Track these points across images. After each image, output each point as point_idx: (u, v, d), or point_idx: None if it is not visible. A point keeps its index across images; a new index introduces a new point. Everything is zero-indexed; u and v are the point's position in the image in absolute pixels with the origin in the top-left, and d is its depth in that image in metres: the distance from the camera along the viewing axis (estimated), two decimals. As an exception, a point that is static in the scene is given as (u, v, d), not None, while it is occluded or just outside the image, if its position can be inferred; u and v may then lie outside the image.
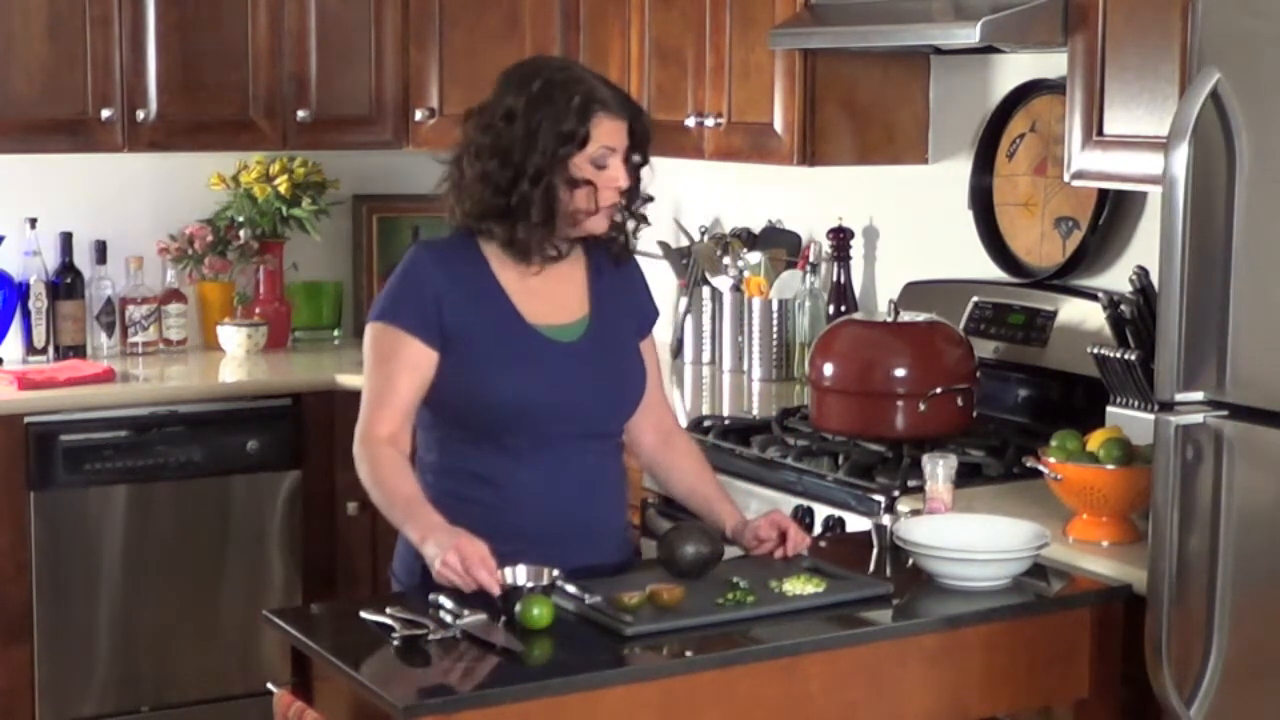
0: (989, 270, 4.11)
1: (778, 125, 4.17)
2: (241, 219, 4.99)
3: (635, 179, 2.98)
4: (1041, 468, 3.12)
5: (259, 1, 4.77)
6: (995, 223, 4.12)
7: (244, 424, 4.54)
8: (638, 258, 3.15)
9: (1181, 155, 2.63)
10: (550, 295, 2.99)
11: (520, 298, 2.96)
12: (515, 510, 2.94)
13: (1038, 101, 4.00)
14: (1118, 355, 3.34)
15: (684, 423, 3.85)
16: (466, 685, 2.54)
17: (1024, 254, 4.04)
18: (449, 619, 2.67)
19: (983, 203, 4.13)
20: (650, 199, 3.05)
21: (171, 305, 4.95)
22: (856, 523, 3.40)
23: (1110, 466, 3.05)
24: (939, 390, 3.59)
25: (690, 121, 4.35)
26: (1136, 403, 3.35)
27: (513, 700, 2.49)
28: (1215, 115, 2.63)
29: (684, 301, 4.84)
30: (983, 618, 2.84)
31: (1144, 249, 3.73)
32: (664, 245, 4.83)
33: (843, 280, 4.44)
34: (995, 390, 3.87)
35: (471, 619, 2.65)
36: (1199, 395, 2.70)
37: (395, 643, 2.61)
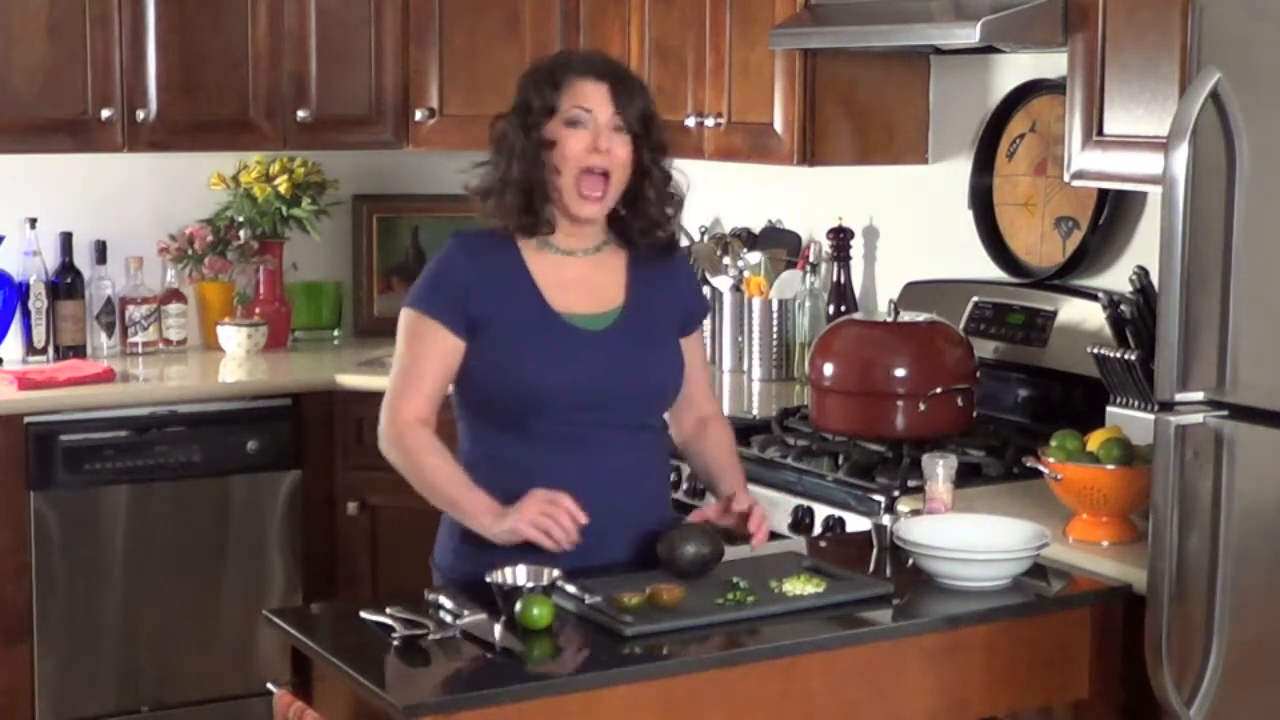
0: (989, 270, 4.11)
1: (778, 125, 4.17)
2: (241, 219, 4.99)
3: (639, 160, 2.95)
4: (1041, 468, 3.12)
5: (259, 1, 4.77)
6: (995, 223, 4.12)
7: (244, 424, 4.54)
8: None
9: (1181, 155, 2.63)
10: (585, 287, 3.01)
11: (550, 288, 2.98)
12: None
13: (1038, 101, 4.00)
14: (1118, 355, 3.34)
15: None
16: (466, 685, 2.54)
17: (1024, 254, 4.04)
18: (449, 619, 2.67)
19: (983, 203, 4.13)
20: (671, 193, 3.02)
21: (171, 305, 4.95)
22: (856, 523, 3.40)
23: (1110, 466, 3.05)
24: (939, 390, 3.59)
25: (690, 121, 4.35)
26: (1136, 403, 3.35)
27: (513, 700, 2.49)
28: (1215, 115, 2.63)
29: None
30: (983, 618, 2.84)
31: (1144, 249, 3.73)
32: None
33: (843, 280, 4.44)
34: (995, 390, 3.87)
35: (471, 619, 2.65)
36: (1199, 395, 2.70)
37: (395, 643, 2.62)
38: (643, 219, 3.01)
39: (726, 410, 4.28)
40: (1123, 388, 3.38)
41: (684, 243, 3.19)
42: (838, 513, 3.47)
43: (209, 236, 4.98)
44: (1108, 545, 3.05)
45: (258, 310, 5.01)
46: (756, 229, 4.76)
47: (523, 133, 2.95)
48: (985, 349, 3.89)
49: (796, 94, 4.12)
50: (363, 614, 2.71)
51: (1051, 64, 3.86)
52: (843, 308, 4.38)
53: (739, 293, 4.62)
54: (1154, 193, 3.38)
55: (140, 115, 4.64)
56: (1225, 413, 2.68)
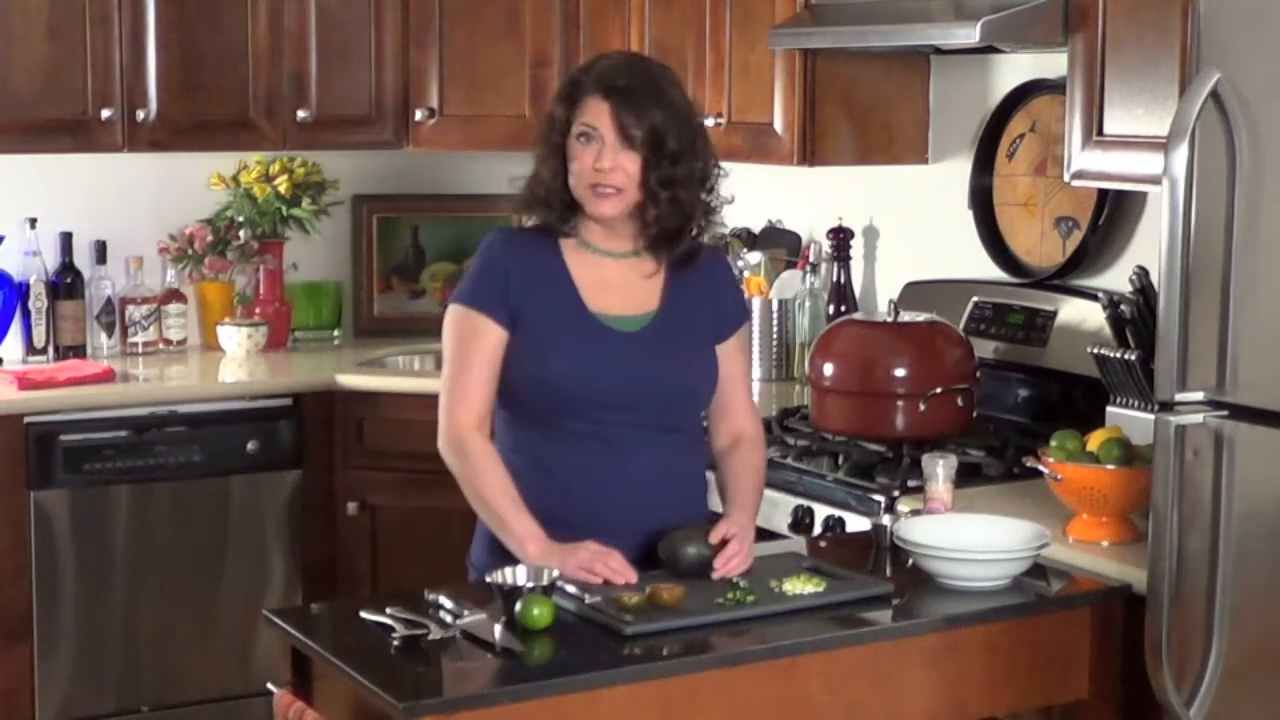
0: (989, 270, 4.11)
1: (778, 125, 4.17)
2: (241, 219, 4.98)
3: (648, 171, 2.94)
4: (1041, 468, 3.12)
5: (259, 1, 4.77)
6: (995, 223, 4.12)
7: (244, 424, 4.54)
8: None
9: (1181, 155, 2.63)
10: (622, 289, 3.03)
11: (588, 288, 3.01)
12: (575, 499, 2.97)
13: (1038, 101, 4.01)
14: (1118, 355, 3.34)
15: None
16: (466, 685, 2.54)
17: (1024, 254, 4.04)
18: (449, 619, 2.67)
19: (983, 203, 4.13)
20: (680, 201, 2.99)
21: (171, 305, 4.95)
22: (856, 523, 3.40)
23: (1110, 466, 3.05)
24: (939, 390, 3.59)
25: (690, 121, 4.35)
26: (1136, 403, 3.35)
27: (513, 700, 2.49)
28: (1215, 115, 2.63)
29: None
30: (983, 618, 2.84)
31: (1144, 249, 3.74)
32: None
33: (843, 280, 4.44)
34: (995, 390, 3.87)
35: (471, 619, 2.65)
36: (1199, 395, 2.70)
37: (395, 643, 2.62)
38: (649, 233, 3.01)
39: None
40: (1123, 388, 3.38)
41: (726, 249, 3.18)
42: (838, 513, 3.47)
43: (209, 236, 4.98)
44: (1108, 545, 3.05)
45: (258, 310, 5.01)
46: (756, 229, 4.76)
47: (546, 142, 3.00)
48: (985, 349, 3.89)
49: (796, 94, 4.12)
50: (363, 614, 2.71)
51: (1051, 64, 3.86)
52: (843, 308, 4.38)
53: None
54: (1154, 193, 3.38)
55: (140, 115, 4.64)
56: (1225, 413, 2.68)
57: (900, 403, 3.60)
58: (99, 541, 4.38)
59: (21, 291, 4.74)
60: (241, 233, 4.97)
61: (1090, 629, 2.92)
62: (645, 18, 4.54)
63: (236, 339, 4.89)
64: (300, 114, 4.84)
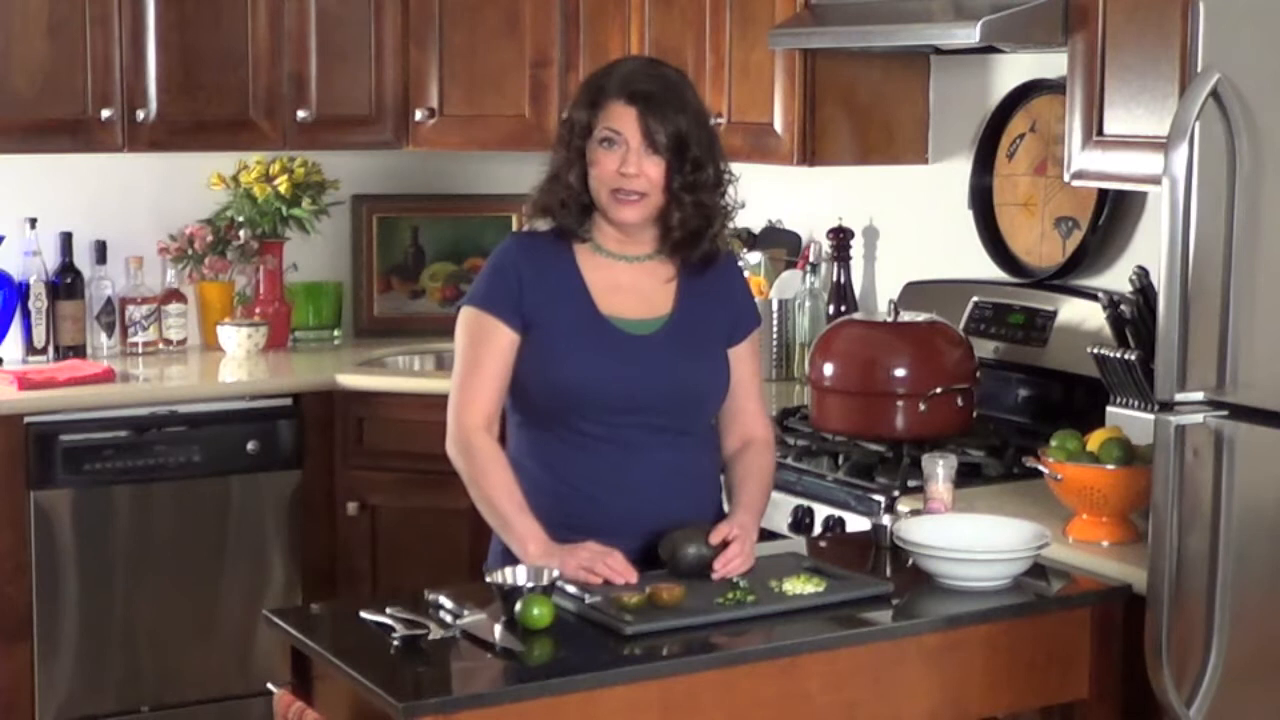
0: (989, 270, 4.11)
1: (778, 125, 4.17)
2: (241, 219, 4.98)
3: (671, 176, 2.95)
4: (1041, 468, 3.12)
5: (259, 1, 4.77)
6: (995, 223, 4.12)
7: (244, 424, 4.54)
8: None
9: (1181, 155, 2.63)
10: (634, 292, 3.03)
11: (599, 291, 3.01)
12: (587, 501, 2.98)
13: (1038, 101, 4.00)
14: (1118, 355, 3.34)
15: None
16: (466, 685, 2.54)
17: (1024, 254, 4.04)
18: (449, 619, 2.67)
19: (983, 203, 4.13)
20: (704, 204, 3.00)
21: (171, 305, 4.95)
22: (856, 523, 3.40)
23: (1110, 466, 3.05)
24: (939, 390, 3.59)
25: (690, 121, 4.35)
26: (1136, 403, 3.35)
27: (513, 700, 2.49)
28: (1215, 115, 2.63)
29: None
30: (983, 618, 2.84)
31: (1144, 249, 3.74)
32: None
33: (843, 280, 4.44)
34: (995, 390, 3.87)
35: (471, 619, 2.65)
36: (1199, 395, 2.70)
37: (395, 643, 2.62)
38: (670, 236, 3.02)
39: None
40: (1123, 388, 3.38)
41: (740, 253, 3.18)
42: (838, 513, 3.47)
43: (209, 236, 4.98)
44: (1108, 545, 3.05)
45: (258, 310, 5.01)
46: (756, 229, 4.76)
47: (565, 145, 3.00)
48: (985, 349, 3.89)
49: (796, 94, 4.12)
50: (363, 614, 2.71)
51: (1051, 64, 3.86)
52: (843, 308, 4.38)
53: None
54: (1154, 193, 3.38)
55: (140, 115, 4.64)
56: (1225, 413, 2.68)
57: (900, 403, 3.60)
58: (99, 541, 4.38)
59: (21, 291, 4.74)
60: (241, 233, 4.97)
61: (1090, 629, 2.92)
62: (645, 18, 4.54)
63: (236, 339, 4.89)
64: (300, 114, 4.84)
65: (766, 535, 3.45)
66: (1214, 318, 2.66)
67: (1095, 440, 3.12)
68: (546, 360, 2.97)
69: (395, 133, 4.98)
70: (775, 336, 4.50)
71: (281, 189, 4.95)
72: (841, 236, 4.43)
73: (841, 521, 3.45)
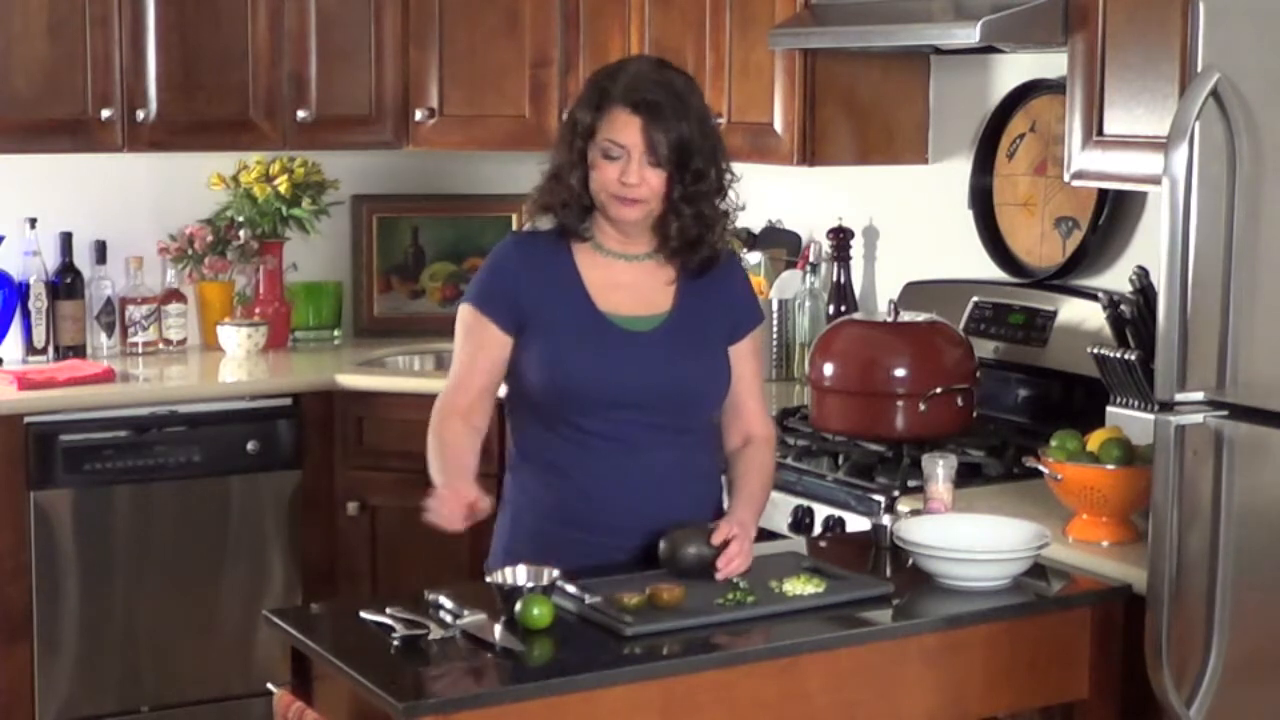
0: (989, 270, 4.11)
1: (778, 125, 4.17)
2: (241, 219, 4.98)
3: (672, 185, 2.95)
4: (1041, 468, 3.12)
5: (259, 1, 4.77)
6: (995, 223, 4.12)
7: (244, 424, 4.54)
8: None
9: (1181, 155, 2.63)
10: (633, 291, 3.04)
11: (599, 290, 3.02)
12: (589, 500, 2.99)
13: (1038, 101, 4.00)
14: (1118, 355, 3.34)
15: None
16: (466, 685, 2.54)
17: (1024, 254, 4.04)
18: (449, 619, 2.67)
19: (983, 203, 4.13)
20: (703, 213, 3.00)
21: (171, 305, 4.95)
22: (856, 523, 3.40)
23: (1110, 466, 3.05)
24: (939, 390, 3.59)
25: (690, 121, 4.35)
26: (1136, 403, 3.35)
27: (513, 700, 2.49)
28: (1215, 115, 2.63)
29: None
30: (983, 618, 2.84)
31: (1144, 249, 3.74)
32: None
33: (843, 280, 4.44)
34: (995, 390, 3.87)
35: (471, 619, 2.65)
36: (1199, 395, 2.70)
37: (395, 643, 2.62)
38: (667, 244, 3.02)
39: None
40: (1123, 388, 3.38)
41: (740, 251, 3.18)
42: (838, 513, 3.47)
43: (209, 236, 4.98)
44: (1108, 545, 3.05)
45: (258, 310, 5.01)
46: (756, 229, 4.75)
47: (567, 145, 2.99)
48: (985, 349, 3.89)
49: (796, 94, 4.12)
50: (363, 614, 2.71)
51: (1051, 64, 3.85)
52: (843, 308, 4.38)
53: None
54: (1154, 193, 3.38)
55: (140, 115, 4.64)
56: (1225, 413, 2.68)
57: (900, 403, 3.60)
58: (99, 541, 4.38)
59: (21, 291, 4.74)
60: (241, 233, 4.97)
61: (1090, 629, 2.92)
62: (645, 18, 4.54)
63: (236, 339, 4.89)
64: (300, 114, 4.84)
65: (767, 535, 3.45)
66: (1214, 318, 2.66)
67: (1095, 440, 3.12)
68: (546, 358, 2.98)
69: (395, 133, 4.98)
70: (775, 336, 4.50)
71: (281, 189, 4.94)
72: (841, 236, 4.43)
73: (841, 521, 3.45)
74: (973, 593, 2.89)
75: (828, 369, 3.69)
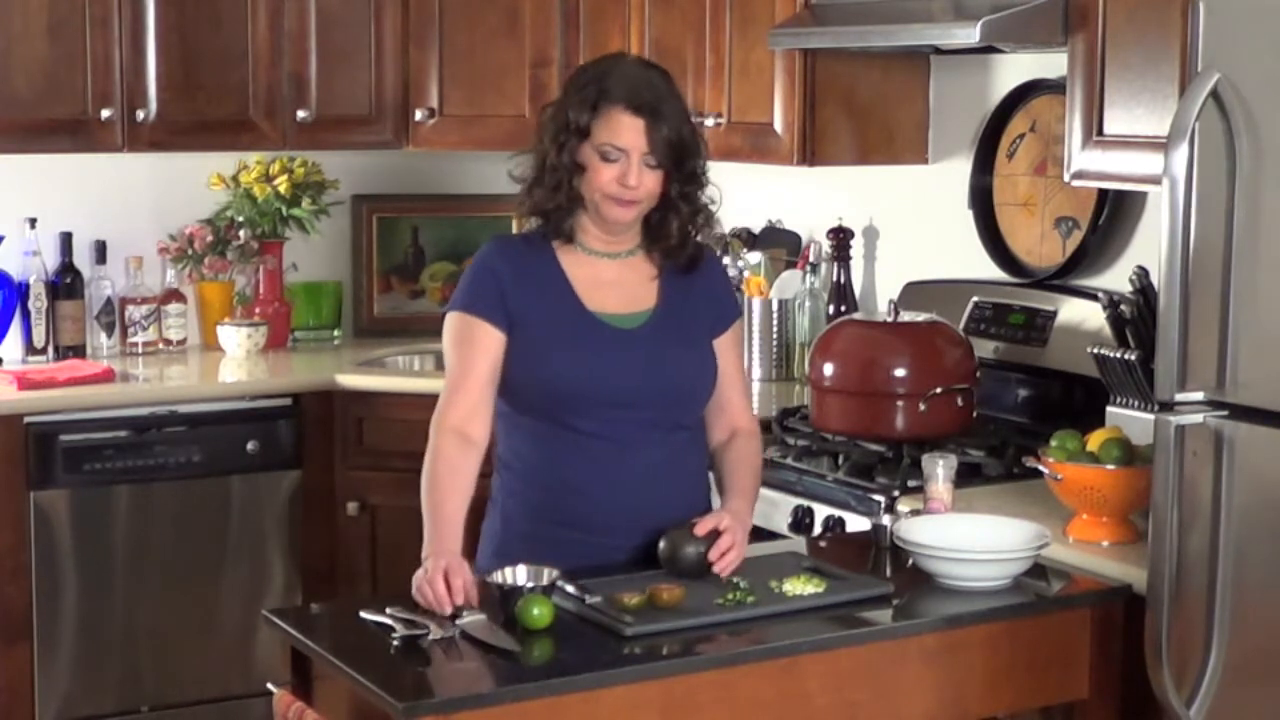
0: (989, 270, 4.11)
1: (778, 125, 4.17)
2: (241, 219, 4.98)
3: (668, 191, 2.96)
4: (1041, 468, 3.12)
5: (259, 1, 4.77)
6: (995, 223, 4.12)
7: (244, 424, 4.54)
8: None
9: (1181, 155, 2.63)
10: (618, 288, 3.03)
11: (584, 288, 3.01)
12: (580, 498, 2.98)
13: (1038, 101, 4.00)
14: (1118, 355, 3.34)
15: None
16: (466, 685, 2.54)
17: (1024, 254, 4.04)
18: (449, 619, 2.67)
19: (983, 203, 4.13)
20: (699, 209, 3.02)
21: (171, 305, 4.95)
22: (856, 523, 3.40)
23: (1110, 466, 3.05)
24: (939, 390, 3.59)
25: (690, 121, 4.35)
26: (1136, 403, 3.35)
27: (513, 700, 2.49)
28: (1215, 115, 2.63)
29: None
30: (983, 618, 2.84)
31: (1144, 249, 3.74)
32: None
33: (843, 280, 4.44)
34: (995, 390, 3.87)
35: (471, 619, 2.65)
36: (1199, 395, 2.70)
37: (395, 643, 2.62)
38: (665, 241, 3.02)
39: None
40: (1123, 388, 3.38)
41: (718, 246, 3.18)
42: (838, 513, 3.47)
43: (209, 236, 4.98)
44: (1108, 545, 3.05)
45: (258, 310, 5.01)
46: (756, 229, 4.76)
47: (556, 146, 2.96)
48: (985, 349, 3.89)
49: (796, 94, 4.12)
50: (363, 614, 2.72)
51: (1051, 64, 3.85)
52: (843, 308, 4.38)
53: (739, 293, 4.62)
54: (1154, 193, 3.38)
55: (140, 115, 4.64)
56: (1225, 413, 2.68)
57: (900, 403, 3.60)
58: (99, 541, 4.38)
59: (21, 291, 4.74)
60: (241, 233, 4.97)
61: (1090, 629, 2.92)
62: (645, 18, 4.54)
63: (236, 339, 4.89)
64: (300, 114, 4.84)
65: (766, 535, 3.46)
66: (1214, 318, 2.66)
67: (1095, 440, 3.12)
68: (535, 357, 2.97)
69: (395, 133, 4.98)
70: (775, 336, 4.50)
71: (281, 189, 4.95)
72: (841, 236, 4.43)
73: (841, 521, 3.45)
74: (973, 593, 2.89)
75: (828, 369, 3.69)
